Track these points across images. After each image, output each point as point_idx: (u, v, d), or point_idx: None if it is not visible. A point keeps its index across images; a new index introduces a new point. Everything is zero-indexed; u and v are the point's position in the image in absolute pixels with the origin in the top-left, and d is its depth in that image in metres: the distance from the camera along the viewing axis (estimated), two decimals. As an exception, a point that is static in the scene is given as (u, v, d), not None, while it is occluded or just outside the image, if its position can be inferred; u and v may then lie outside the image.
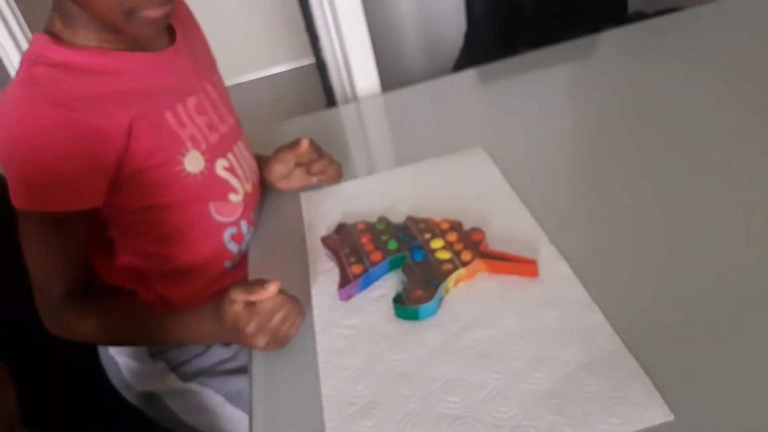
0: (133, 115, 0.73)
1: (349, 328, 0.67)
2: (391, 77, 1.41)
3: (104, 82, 0.73)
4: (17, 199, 0.70)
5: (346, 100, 1.43)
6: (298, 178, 0.92)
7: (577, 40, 1.23)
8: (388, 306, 0.68)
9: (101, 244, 0.82)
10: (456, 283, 0.69)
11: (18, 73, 0.71)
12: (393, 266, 0.73)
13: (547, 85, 1.11)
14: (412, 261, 0.71)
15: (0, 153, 0.70)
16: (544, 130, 0.97)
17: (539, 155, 0.91)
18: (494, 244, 0.73)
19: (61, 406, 0.88)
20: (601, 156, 0.89)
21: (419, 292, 0.67)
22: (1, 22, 1.71)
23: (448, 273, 0.69)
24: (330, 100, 1.65)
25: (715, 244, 0.67)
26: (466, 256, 0.70)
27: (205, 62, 0.89)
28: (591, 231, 0.75)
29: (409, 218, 0.79)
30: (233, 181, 0.84)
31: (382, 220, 0.80)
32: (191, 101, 0.81)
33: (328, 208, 0.88)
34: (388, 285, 0.72)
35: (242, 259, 0.87)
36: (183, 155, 0.78)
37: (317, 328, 0.68)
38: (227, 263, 0.86)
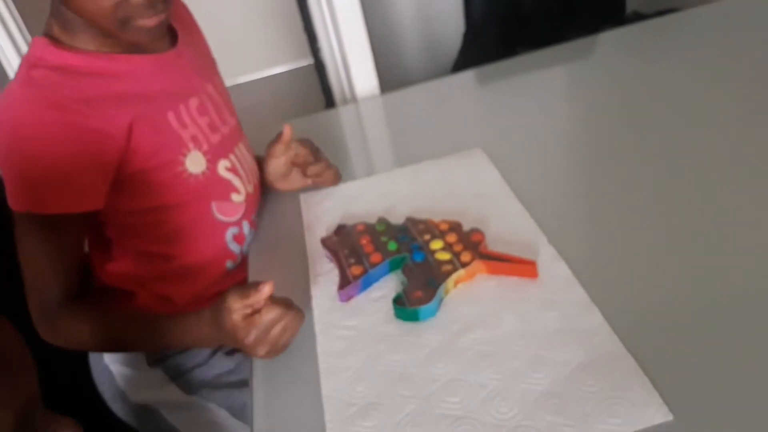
0: (134, 116, 0.73)
1: (349, 329, 0.67)
2: (390, 78, 1.41)
3: (104, 84, 0.73)
4: (15, 202, 0.70)
5: (345, 101, 1.43)
6: (297, 178, 0.91)
7: (575, 41, 1.23)
8: (388, 307, 0.68)
9: (99, 245, 0.82)
10: (456, 284, 0.69)
11: (17, 75, 0.71)
12: (393, 267, 0.73)
13: (545, 86, 1.12)
14: (412, 262, 0.72)
15: None
16: (543, 131, 0.97)
17: (538, 156, 0.91)
18: (494, 245, 0.73)
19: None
20: (600, 156, 0.89)
21: (419, 293, 0.67)
22: (1, 25, 1.71)
23: (448, 274, 0.69)
24: (329, 101, 1.65)
25: (714, 245, 0.68)
26: (465, 257, 0.70)
27: (206, 63, 0.90)
28: (590, 232, 0.75)
29: (409, 219, 0.79)
30: (235, 181, 0.84)
31: (382, 221, 0.80)
32: (193, 102, 0.81)
33: (328, 209, 0.88)
34: (388, 286, 0.72)
35: (244, 259, 0.87)
36: (184, 156, 0.78)
37: (317, 329, 0.68)
38: (229, 263, 0.86)
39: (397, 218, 0.80)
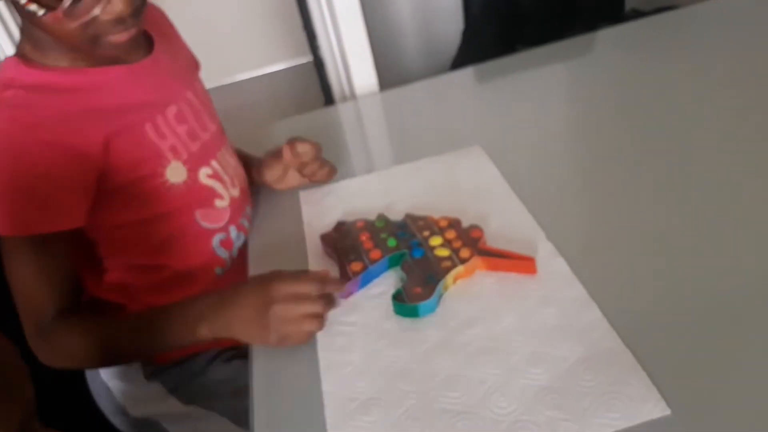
0: (110, 131, 0.72)
1: (348, 325, 0.67)
2: (389, 75, 1.42)
3: (79, 100, 0.71)
4: None
5: (344, 99, 1.43)
6: (294, 177, 0.92)
7: (574, 38, 1.23)
8: (388, 303, 0.68)
9: (86, 260, 0.80)
10: (455, 280, 0.70)
11: None
12: (392, 264, 0.74)
13: (544, 83, 1.12)
14: (411, 258, 0.72)
15: None
16: (541, 128, 0.97)
17: (537, 153, 0.91)
18: (492, 242, 0.73)
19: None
20: (598, 153, 0.89)
21: (418, 290, 0.67)
22: (1, 28, 1.70)
23: (447, 270, 0.69)
24: (328, 99, 1.65)
25: (712, 241, 0.68)
26: (464, 253, 0.71)
27: (184, 69, 0.88)
28: (588, 228, 0.76)
29: (408, 216, 0.79)
30: (218, 188, 0.83)
31: (381, 218, 0.80)
32: (171, 111, 0.79)
33: (327, 206, 0.89)
34: (388, 282, 0.72)
35: (233, 265, 0.87)
36: (164, 167, 0.77)
37: (317, 325, 0.69)
38: (218, 269, 0.85)
39: (396, 215, 0.81)
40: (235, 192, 0.86)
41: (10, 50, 1.76)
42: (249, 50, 3.38)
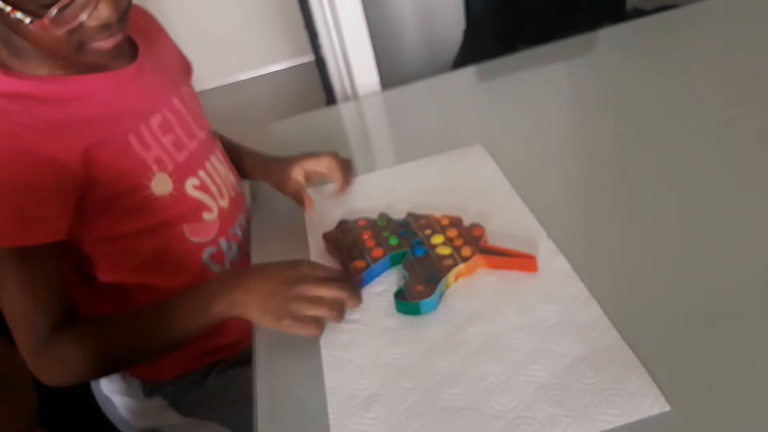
0: (90, 143, 0.70)
1: (351, 322, 0.68)
2: (391, 75, 1.42)
3: (58, 109, 0.69)
4: None
5: (346, 98, 1.44)
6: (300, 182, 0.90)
7: (576, 37, 1.24)
8: (390, 301, 0.69)
9: (73, 281, 0.78)
10: (456, 278, 0.70)
11: None
12: (394, 262, 0.74)
13: (546, 82, 1.12)
14: (413, 257, 0.72)
15: None
16: (543, 127, 0.98)
17: (538, 152, 0.92)
18: (494, 240, 0.74)
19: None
20: (599, 152, 0.90)
21: (420, 288, 0.68)
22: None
23: (449, 268, 0.70)
24: (329, 98, 1.65)
25: (712, 239, 0.68)
26: (466, 251, 0.71)
27: (171, 75, 0.86)
28: (589, 226, 0.76)
29: (410, 215, 0.80)
30: (206, 200, 0.82)
31: (383, 216, 0.81)
32: (155, 120, 0.77)
33: (329, 205, 0.89)
34: (390, 280, 0.73)
35: None
36: (149, 179, 0.75)
37: (320, 323, 0.69)
38: None
39: (398, 214, 0.81)
40: (224, 203, 0.85)
41: None
42: (250, 49, 3.38)
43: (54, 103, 0.69)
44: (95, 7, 0.63)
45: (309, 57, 3.03)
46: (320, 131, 1.15)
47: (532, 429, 0.53)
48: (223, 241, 0.85)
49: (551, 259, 0.70)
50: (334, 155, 0.87)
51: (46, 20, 0.61)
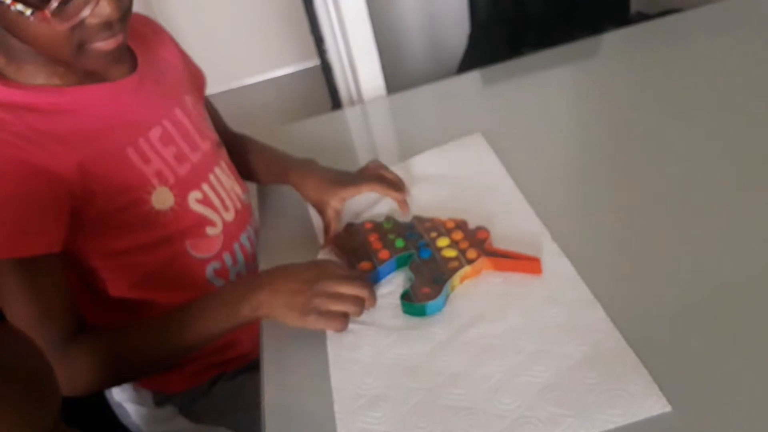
0: (86, 156, 0.68)
1: (357, 323, 0.69)
2: (396, 79, 1.43)
3: (54, 121, 0.68)
4: None
5: (352, 102, 1.44)
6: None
7: (580, 42, 1.24)
8: (396, 302, 0.70)
9: (82, 290, 0.77)
10: (462, 280, 0.71)
11: None
12: (400, 264, 0.75)
13: (551, 86, 1.13)
14: (419, 259, 0.73)
15: None
16: (547, 130, 0.98)
17: (543, 155, 0.92)
18: (498, 243, 0.75)
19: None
20: (603, 156, 0.90)
21: (426, 289, 0.69)
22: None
23: (454, 270, 0.70)
24: (335, 103, 1.66)
25: (714, 242, 0.69)
26: (471, 254, 0.72)
27: (174, 85, 0.84)
28: (593, 230, 0.77)
29: (416, 218, 0.81)
30: (209, 214, 0.80)
31: (389, 219, 0.82)
32: (155, 133, 0.76)
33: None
34: (396, 282, 0.74)
35: None
36: (149, 194, 0.74)
37: (327, 323, 0.70)
38: None
39: (403, 217, 0.82)
40: (229, 216, 0.83)
41: None
42: (256, 54, 3.40)
43: (50, 115, 0.68)
44: (97, 3, 0.61)
45: (315, 61, 3.04)
46: (326, 135, 1.16)
47: (535, 428, 0.54)
48: (227, 257, 0.84)
49: (555, 262, 0.70)
50: (373, 182, 0.83)
51: (47, 12, 0.59)
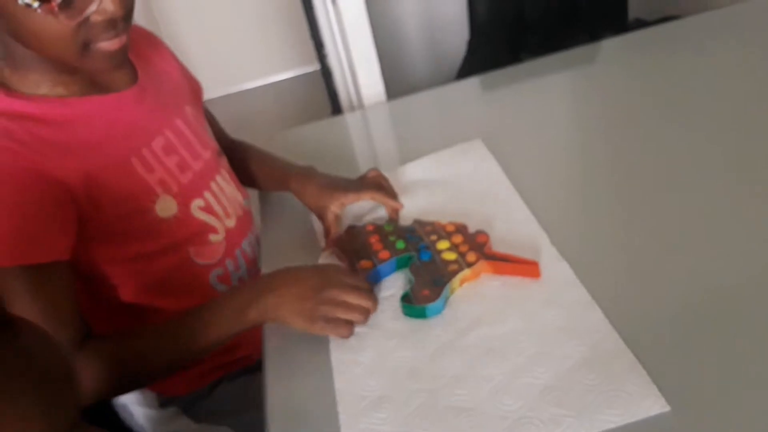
0: (91, 166, 0.69)
1: (359, 326, 0.69)
2: (396, 84, 1.44)
3: (59, 131, 0.69)
4: None
5: (352, 108, 1.45)
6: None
7: (579, 48, 1.25)
8: (397, 305, 0.71)
9: (87, 297, 0.76)
10: (461, 283, 0.72)
11: None
12: (400, 265, 0.76)
13: (549, 92, 1.14)
14: (419, 261, 0.74)
15: None
16: (546, 136, 0.99)
17: (542, 160, 0.93)
18: (498, 246, 0.76)
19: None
20: (602, 160, 0.91)
21: (426, 292, 0.69)
22: None
23: (454, 273, 0.71)
24: (335, 108, 1.67)
25: (712, 245, 0.70)
26: (471, 257, 0.73)
27: (174, 96, 0.85)
28: (591, 233, 0.78)
29: (416, 221, 0.82)
30: (212, 221, 0.81)
31: (391, 222, 0.82)
32: (158, 143, 0.77)
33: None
34: (396, 285, 0.74)
35: None
36: (153, 202, 0.75)
37: (329, 326, 0.71)
38: None
39: (404, 220, 0.83)
40: (231, 222, 0.85)
41: None
42: (256, 59, 3.40)
43: (55, 125, 0.68)
44: (101, 0, 0.62)
45: (315, 66, 3.04)
46: (326, 141, 1.17)
47: (536, 429, 0.54)
48: (229, 263, 0.85)
49: (554, 265, 0.71)
50: (372, 191, 0.83)
51: (53, 4, 0.59)
